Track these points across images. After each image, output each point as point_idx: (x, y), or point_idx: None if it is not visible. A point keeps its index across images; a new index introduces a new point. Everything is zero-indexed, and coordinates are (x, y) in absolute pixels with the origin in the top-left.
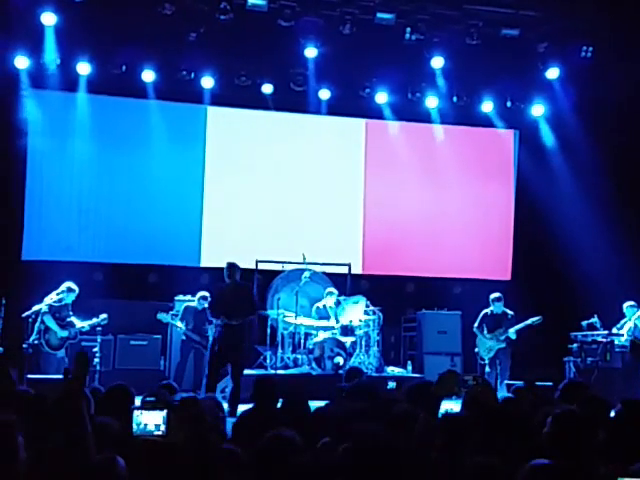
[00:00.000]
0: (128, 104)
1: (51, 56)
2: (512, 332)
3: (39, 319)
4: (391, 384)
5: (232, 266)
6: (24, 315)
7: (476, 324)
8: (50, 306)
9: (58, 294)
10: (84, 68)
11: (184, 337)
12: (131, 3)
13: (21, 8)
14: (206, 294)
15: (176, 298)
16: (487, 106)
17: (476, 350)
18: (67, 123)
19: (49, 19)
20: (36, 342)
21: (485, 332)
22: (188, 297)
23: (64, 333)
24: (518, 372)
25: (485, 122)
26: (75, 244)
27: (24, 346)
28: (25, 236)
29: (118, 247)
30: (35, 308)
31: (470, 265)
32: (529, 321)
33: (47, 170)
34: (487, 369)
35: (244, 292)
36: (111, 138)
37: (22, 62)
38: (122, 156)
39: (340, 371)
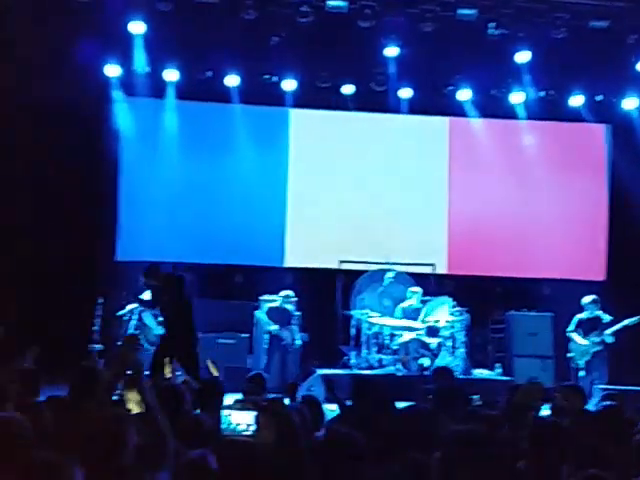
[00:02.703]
0: (213, 109)
1: (140, 64)
2: (609, 335)
3: (136, 316)
4: (476, 399)
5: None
6: (119, 314)
7: (570, 328)
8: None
9: None
10: (172, 75)
11: (267, 336)
12: (215, 9)
13: (111, 18)
14: (289, 293)
15: (261, 298)
16: (576, 100)
17: (570, 354)
18: (156, 128)
19: (138, 28)
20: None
21: (580, 335)
22: (273, 297)
23: (159, 330)
24: (615, 376)
25: (574, 117)
26: (165, 245)
27: (119, 343)
28: (118, 238)
29: (205, 248)
30: (130, 307)
31: (561, 265)
32: (626, 321)
33: (138, 174)
34: (581, 373)
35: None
36: (197, 142)
37: (113, 70)
38: (208, 159)
39: (426, 372)
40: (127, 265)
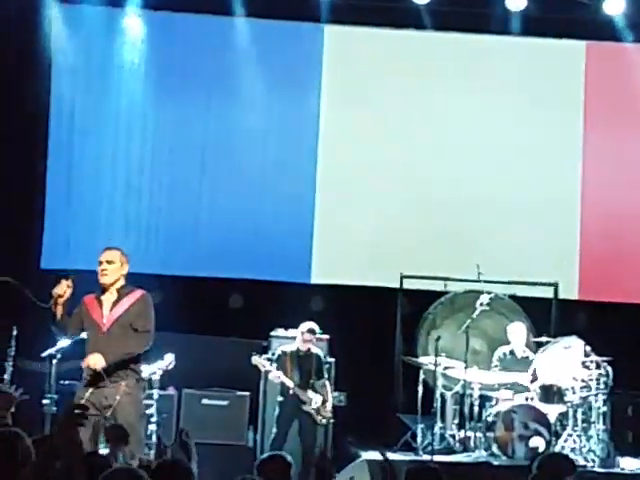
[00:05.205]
0: (203, 25)
1: None
2: None
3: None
4: None
5: None
6: (45, 354)
7: None
8: None
9: None
10: None
11: (281, 397)
12: None
13: None
14: (314, 327)
15: (273, 333)
16: None
17: None
18: (110, 56)
19: None
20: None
21: None
22: (291, 332)
23: None
24: None
25: None
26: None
27: (45, 401)
28: (46, 236)
29: (183, 253)
30: (62, 344)
31: None
32: None
33: (78, 131)
34: None
35: None
36: (175, 79)
37: None
38: (191, 107)
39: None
40: (57, 275)
